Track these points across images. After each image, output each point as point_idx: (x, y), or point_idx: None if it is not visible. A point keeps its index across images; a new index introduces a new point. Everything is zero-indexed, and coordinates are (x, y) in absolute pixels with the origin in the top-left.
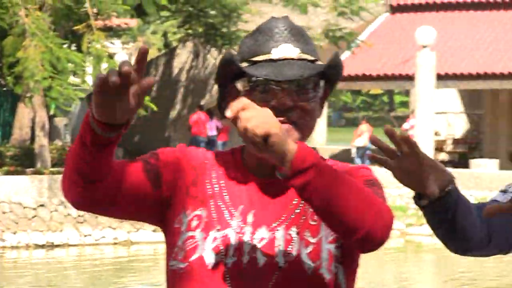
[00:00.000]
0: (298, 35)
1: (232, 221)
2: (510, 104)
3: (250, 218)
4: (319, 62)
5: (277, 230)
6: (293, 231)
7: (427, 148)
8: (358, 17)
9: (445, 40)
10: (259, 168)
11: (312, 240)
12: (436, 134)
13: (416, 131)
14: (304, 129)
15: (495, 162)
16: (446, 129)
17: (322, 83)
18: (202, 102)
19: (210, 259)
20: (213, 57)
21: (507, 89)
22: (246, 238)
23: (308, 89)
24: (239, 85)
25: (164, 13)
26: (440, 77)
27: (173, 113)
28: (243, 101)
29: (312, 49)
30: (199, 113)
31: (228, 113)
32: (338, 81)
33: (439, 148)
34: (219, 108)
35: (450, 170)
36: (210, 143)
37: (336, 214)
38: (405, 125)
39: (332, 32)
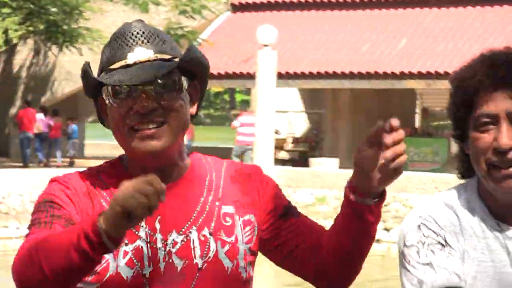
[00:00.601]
0: (153, 36)
1: (140, 232)
2: (350, 103)
3: (157, 225)
4: (178, 59)
5: (190, 232)
6: (206, 232)
7: (267, 146)
8: (199, 16)
9: (286, 39)
10: (146, 174)
11: (228, 240)
12: (276, 132)
13: (257, 129)
14: (174, 127)
15: (335, 161)
16: (286, 127)
17: (184, 79)
18: (43, 100)
19: (126, 273)
20: (54, 54)
21: (347, 88)
22: (159, 245)
23: (169, 88)
24: (104, 95)
25: (5, 10)
26: (281, 76)
27: (13, 110)
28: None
29: (170, 48)
30: (27, 109)
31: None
32: (206, 74)
33: (279, 146)
34: (100, 120)
35: (290, 168)
36: (41, 140)
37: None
38: (235, 123)
39: (173, 30)
